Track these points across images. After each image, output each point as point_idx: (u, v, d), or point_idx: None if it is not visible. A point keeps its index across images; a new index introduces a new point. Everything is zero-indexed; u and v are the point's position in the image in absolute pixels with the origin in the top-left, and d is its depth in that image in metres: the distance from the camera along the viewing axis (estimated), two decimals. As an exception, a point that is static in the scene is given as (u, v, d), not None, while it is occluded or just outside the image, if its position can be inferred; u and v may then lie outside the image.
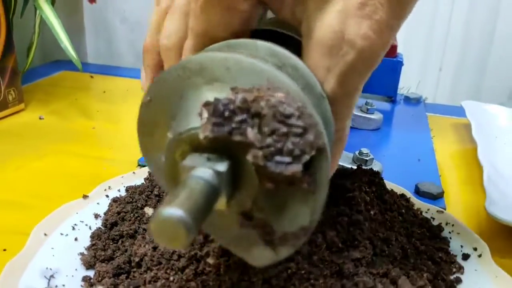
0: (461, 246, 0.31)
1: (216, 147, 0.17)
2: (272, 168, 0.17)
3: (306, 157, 0.17)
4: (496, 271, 0.28)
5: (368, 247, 0.26)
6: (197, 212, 0.15)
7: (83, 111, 0.59)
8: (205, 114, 0.17)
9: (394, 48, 0.61)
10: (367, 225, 0.28)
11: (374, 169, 0.40)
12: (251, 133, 0.17)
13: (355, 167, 0.38)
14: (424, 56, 0.95)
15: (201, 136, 0.17)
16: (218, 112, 0.17)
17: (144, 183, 0.36)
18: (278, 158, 0.17)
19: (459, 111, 0.60)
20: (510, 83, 0.96)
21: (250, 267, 0.24)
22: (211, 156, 0.17)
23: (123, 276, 0.27)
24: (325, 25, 0.21)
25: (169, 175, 0.19)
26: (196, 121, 0.18)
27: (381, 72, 0.62)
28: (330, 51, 0.21)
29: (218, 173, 0.17)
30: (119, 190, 0.35)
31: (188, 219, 0.15)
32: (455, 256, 0.30)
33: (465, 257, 0.30)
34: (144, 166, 0.45)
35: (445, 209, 0.39)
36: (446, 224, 0.33)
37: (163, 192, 0.32)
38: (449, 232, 0.32)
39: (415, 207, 0.35)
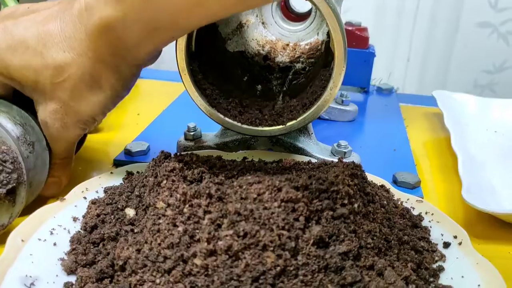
0: (442, 235, 0.32)
1: None
2: None
3: (9, 186, 0.30)
4: (477, 258, 0.29)
5: (353, 240, 0.26)
6: None
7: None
8: None
9: (365, 39, 0.61)
10: (352, 218, 0.28)
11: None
12: None
13: (335, 160, 0.39)
14: (392, 48, 0.97)
15: None
16: None
17: (123, 183, 0.35)
18: None
19: (430, 101, 0.62)
20: (475, 72, 0.99)
21: (238, 266, 0.24)
22: None
23: (106, 281, 0.26)
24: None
25: None
26: None
27: (354, 63, 0.63)
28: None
29: None
30: (97, 192, 0.34)
31: None
32: (436, 244, 0.31)
33: (446, 245, 0.31)
34: (120, 165, 0.44)
35: (422, 198, 0.40)
36: (426, 213, 0.34)
37: (143, 192, 0.32)
38: (429, 221, 0.33)
39: (395, 197, 0.36)
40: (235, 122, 0.36)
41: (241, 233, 0.25)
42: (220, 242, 0.25)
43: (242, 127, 0.36)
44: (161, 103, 0.60)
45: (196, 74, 0.36)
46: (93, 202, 0.33)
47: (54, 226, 0.30)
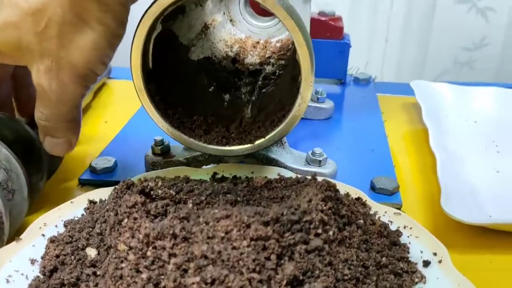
0: (421, 252, 0.30)
1: None
2: None
3: None
4: (458, 279, 0.28)
5: (329, 274, 0.25)
6: None
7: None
8: None
9: (340, 30, 0.59)
10: (327, 248, 0.26)
11: (328, 170, 0.39)
12: None
13: (310, 170, 0.37)
14: (370, 29, 0.95)
15: None
16: None
17: (84, 214, 0.33)
18: None
19: (408, 89, 0.60)
20: (455, 49, 0.98)
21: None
22: None
23: (67, 334, 0.25)
24: None
25: None
26: None
27: (329, 55, 0.61)
28: None
29: None
30: (56, 226, 0.32)
31: None
32: (416, 264, 0.30)
33: (426, 264, 0.29)
34: (86, 184, 0.42)
35: (401, 205, 0.39)
36: (404, 227, 0.32)
37: (105, 230, 0.30)
38: (408, 237, 0.32)
39: (372, 211, 0.34)
40: (200, 143, 0.34)
41: (209, 280, 0.23)
42: (185, 292, 0.23)
43: (208, 148, 0.34)
44: (130, 108, 0.57)
45: (154, 94, 0.33)
46: (52, 240, 0.31)
47: (11, 272, 0.28)
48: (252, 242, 0.25)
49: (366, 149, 0.47)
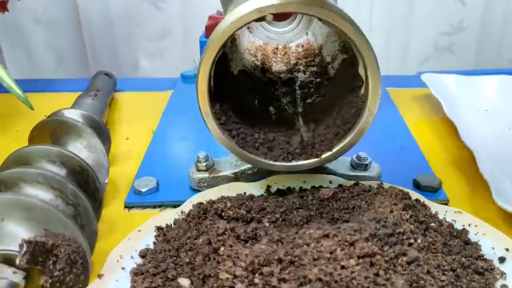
0: (493, 248, 0.32)
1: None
2: None
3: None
4: (536, 272, 0.30)
5: (433, 283, 0.26)
6: None
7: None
8: (24, 248, 0.26)
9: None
10: (422, 257, 0.27)
11: (374, 173, 0.40)
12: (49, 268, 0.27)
13: (358, 174, 0.38)
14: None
15: (17, 261, 0.26)
16: (33, 251, 0.26)
17: (157, 242, 0.33)
18: (57, 285, 0.27)
19: (413, 81, 0.62)
20: (434, 35, 1.01)
21: None
22: (15, 271, 0.27)
23: None
24: None
25: None
26: (10, 244, 0.27)
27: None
28: None
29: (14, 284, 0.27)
30: (132, 257, 0.32)
31: None
32: (492, 260, 0.31)
33: (502, 260, 0.31)
34: (132, 207, 0.41)
35: (448, 201, 0.40)
36: (469, 225, 0.34)
37: (193, 257, 0.29)
38: (475, 235, 0.33)
39: (433, 211, 0.35)
40: (267, 161, 0.34)
41: (328, 302, 0.24)
42: (308, 317, 0.24)
43: (276, 165, 0.34)
44: (148, 120, 0.56)
45: (220, 116, 0.33)
46: (135, 273, 0.30)
47: (104, 311, 0.28)
48: (360, 260, 0.25)
49: (395, 146, 0.48)
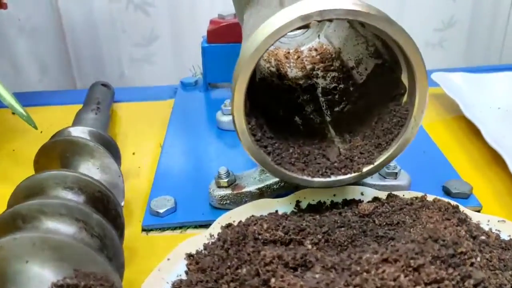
0: (544, 259, 0.31)
1: None
2: None
3: None
4: None
5: (501, 306, 0.24)
6: None
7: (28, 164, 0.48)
8: None
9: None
10: (485, 277, 0.26)
11: (404, 182, 0.38)
12: None
13: (389, 183, 0.36)
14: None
15: None
16: None
17: (189, 271, 0.30)
18: None
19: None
20: (426, 31, 1.00)
21: None
22: None
23: None
24: None
25: None
26: None
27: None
28: None
29: None
30: (165, 290, 0.29)
31: None
32: (549, 272, 0.30)
33: (559, 271, 0.30)
34: (150, 229, 0.38)
35: (481, 207, 0.39)
36: (515, 235, 0.33)
37: (239, 286, 0.27)
38: (524, 245, 0.32)
39: (475, 221, 0.34)
40: (304, 177, 0.32)
41: (400, 336, 0.22)
42: None
43: (314, 182, 0.32)
44: (152, 132, 0.53)
45: (256, 132, 0.31)
46: (173, 308, 0.28)
47: None
48: (428, 287, 0.23)
49: (418, 152, 0.46)
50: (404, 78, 0.30)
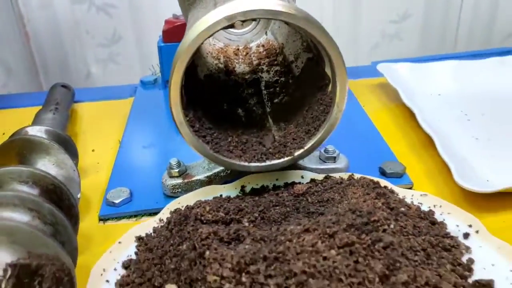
0: (457, 226, 0.34)
1: None
2: None
3: None
4: (497, 243, 0.32)
5: (408, 264, 0.28)
6: None
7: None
8: (9, 272, 0.26)
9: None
10: (395, 241, 0.29)
11: (342, 165, 0.42)
12: None
13: (327, 167, 0.40)
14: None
15: (3, 286, 0.26)
16: (18, 274, 0.26)
17: (138, 252, 0.33)
18: None
19: (365, 71, 0.65)
20: (383, 23, 1.04)
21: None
22: None
23: None
24: None
25: None
26: None
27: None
28: None
29: None
30: (115, 269, 0.32)
31: None
32: (457, 237, 0.34)
33: (466, 236, 0.33)
34: (107, 219, 0.41)
35: (412, 185, 0.43)
36: (434, 206, 0.36)
37: (178, 263, 0.30)
38: (441, 214, 0.36)
39: (401, 195, 0.38)
40: (241, 163, 0.35)
41: (315, 293, 0.25)
42: (297, 308, 0.25)
43: (251, 166, 0.35)
44: (111, 129, 0.55)
45: (193, 124, 0.34)
46: (121, 284, 0.30)
47: (94, 326, 0.28)
48: (341, 250, 0.27)
49: (359, 137, 0.50)
50: (328, 70, 0.33)
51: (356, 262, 0.27)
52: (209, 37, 0.30)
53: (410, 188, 0.42)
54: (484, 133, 0.50)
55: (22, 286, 0.27)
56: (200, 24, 0.30)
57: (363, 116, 0.55)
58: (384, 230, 0.29)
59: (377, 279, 0.26)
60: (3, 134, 0.56)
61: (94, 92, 0.68)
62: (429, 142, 0.47)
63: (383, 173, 0.44)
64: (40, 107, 0.54)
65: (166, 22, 0.60)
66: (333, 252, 0.27)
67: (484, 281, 0.30)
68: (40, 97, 0.66)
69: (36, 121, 0.48)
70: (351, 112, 0.55)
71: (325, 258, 0.27)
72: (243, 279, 0.27)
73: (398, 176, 0.43)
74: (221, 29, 0.30)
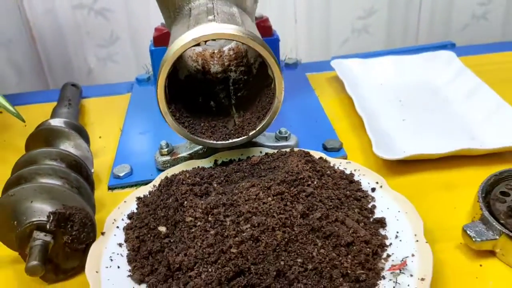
0: (368, 183, 0.47)
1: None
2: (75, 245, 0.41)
3: (87, 242, 0.41)
4: (394, 195, 0.45)
5: (322, 207, 0.41)
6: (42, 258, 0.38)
7: (17, 150, 0.63)
8: (51, 218, 0.39)
9: (270, 29, 0.74)
10: (316, 192, 0.42)
11: (293, 142, 0.55)
12: (68, 229, 0.41)
13: (281, 144, 0.52)
14: (281, 15, 1.10)
15: (47, 227, 0.39)
16: (56, 219, 0.39)
17: (139, 207, 0.46)
18: (75, 241, 0.41)
19: (328, 66, 0.77)
20: (352, 19, 1.17)
21: (261, 245, 0.37)
22: (46, 234, 0.40)
23: (170, 280, 0.38)
24: None
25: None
26: (40, 217, 0.40)
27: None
28: None
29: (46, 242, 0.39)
30: (122, 219, 0.45)
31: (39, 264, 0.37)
32: (367, 191, 0.47)
33: (373, 189, 0.46)
34: (115, 188, 0.54)
35: (346, 156, 0.56)
36: (355, 170, 0.49)
37: (167, 211, 0.43)
38: (358, 175, 0.49)
39: (332, 164, 0.50)
40: (211, 141, 0.48)
41: (256, 224, 0.38)
42: (244, 234, 0.38)
43: (217, 144, 0.48)
44: (114, 120, 0.68)
45: (175, 113, 0.46)
46: (127, 228, 0.43)
47: (110, 254, 0.41)
48: (274, 197, 0.40)
49: (311, 121, 0.63)
50: (270, 72, 0.46)
51: (285, 205, 0.40)
52: (182, 52, 0.43)
53: (345, 159, 0.55)
54: (412, 116, 0.63)
55: (60, 227, 0.40)
56: (175, 44, 0.43)
57: (316, 104, 0.67)
58: (308, 185, 0.42)
59: (298, 216, 0.39)
60: (25, 126, 0.69)
61: (96, 89, 0.80)
62: (363, 123, 0.60)
63: (325, 148, 0.57)
64: (50, 103, 0.67)
65: (156, 29, 0.72)
66: (269, 199, 0.40)
67: (378, 218, 0.43)
68: (48, 94, 0.78)
69: (54, 114, 0.61)
70: (307, 101, 0.68)
71: (264, 203, 0.40)
72: (210, 218, 0.40)
73: (336, 150, 0.56)
74: (190, 47, 0.43)
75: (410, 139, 0.57)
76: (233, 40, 0.43)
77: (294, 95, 0.71)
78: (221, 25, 0.43)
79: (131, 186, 0.54)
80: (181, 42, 0.43)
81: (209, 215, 0.40)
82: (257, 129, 0.48)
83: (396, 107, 0.65)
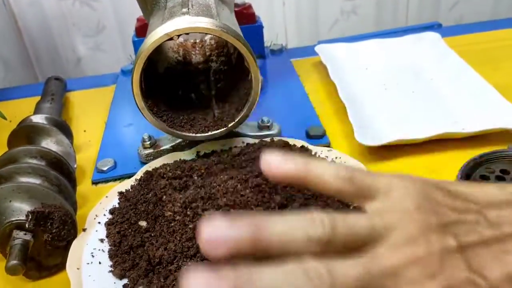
0: (349, 171, 0.47)
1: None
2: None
3: (68, 239, 0.41)
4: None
5: (300, 196, 0.41)
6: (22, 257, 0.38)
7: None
8: (30, 217, 0.40)
9: (253, 15, 0.73)
10: (294, 182, 0.42)
11: (275, 131, 0.55)
12: (48, 227, 0.41)
13: (263, 133, 0.52)
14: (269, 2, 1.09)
15: (26, 226, 0.40)
16: (36, 218, 0.40)
17: (120, 202, 0.46)
18: (56, 238, 0.41)
19: (313, 51, 0.77)
20: (340, 1, 1.15)
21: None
22: (25, 232, 0.40)
23: (151, 274, 0.39)
24: None
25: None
26: (19, 216, 0.40)
27: (248, 38, 0.74)
28: None
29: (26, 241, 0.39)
30: (104, 215, 0.45)
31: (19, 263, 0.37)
32: (348, 179, 0.47)
33: (354, 178, 0.46)
34: (98, 182, 0.54)
35: (330, 143, 0.56)
36: (336, 158, 0.49)
37: (147, 206, 0.43)
38: (339, 163, 0.49)
39: (313, 152, 0.51)
40: (190, 134, 0.48)
41: (233, 217, 0.38)
42: (222, 227, 0.38)
43: (197, 136, 0.48)
44: (98, 113, 0.68)
45: (152, 108, 0.46)
46: (109, 224, 0.44)
47: (91, 250, 0.41)
48: (252, 190, 0.40)
49: (295, 109, 0.63)
50: (246, 63, 0.46)
51: (263, 197, 0.40)
52: (158, 45, 0.42)
53: (328, 146, 0.55)
54: (395, 100, 0.62)
55: (40, 225, 0.40)
56: (150, 38, 0.42)
57: (301, 90, 0.67)
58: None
59: (276, 207, 0.40)
60: (10, 121, 0.68)
61: (82, 82, 0.80)
62: (346, 110, 0.60)
63: (308, 135, 0.57)
64: (36, 97, 0.67)
65: (138, 20, 0.72)
66: (247, 191, 0.40)
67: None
68: (35, 88, 0.78)
69: (36, 110, 0.61)
70: (291, 87, 0.68)
71: (242, 195, 0.40)
72: (188, 212, 0.40)
73: (319, 137, 0.56)
74: (165, 41, 0.42)
75: (393, 124, 0.57)
76: (206, 33, 0.43)
77: (278, 81, 0.71)
78: (194, 18, 0.43)
79: (115, 180, 0.54)
80: (153, 37, 0.42)
81: (188, 209, 0.40)
82: (236, 120, 0.48)
83: (380, 92, 0.65)
